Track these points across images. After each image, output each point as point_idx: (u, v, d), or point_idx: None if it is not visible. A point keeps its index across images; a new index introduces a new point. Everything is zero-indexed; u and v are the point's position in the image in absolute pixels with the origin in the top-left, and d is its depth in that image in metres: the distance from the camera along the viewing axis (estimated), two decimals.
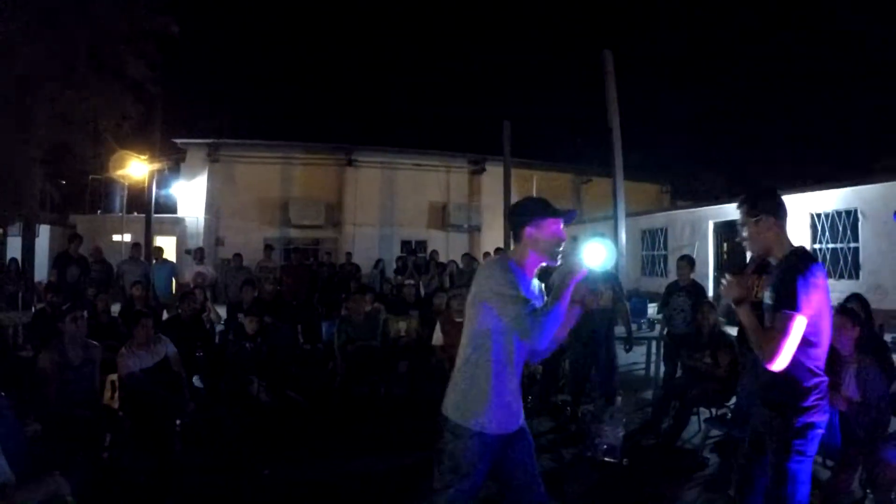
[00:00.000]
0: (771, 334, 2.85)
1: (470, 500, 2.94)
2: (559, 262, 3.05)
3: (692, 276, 7.72)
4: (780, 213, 3.08)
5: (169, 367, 5.78)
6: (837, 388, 4.52)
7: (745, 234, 3.18)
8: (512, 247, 3.07)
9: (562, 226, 2.97)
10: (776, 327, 2.83)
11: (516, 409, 2.99)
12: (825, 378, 2.98)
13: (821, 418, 2.96)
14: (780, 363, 2.82)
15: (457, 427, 2.90)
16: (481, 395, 2.88)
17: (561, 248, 2.98)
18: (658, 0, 46.14)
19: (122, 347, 5.68)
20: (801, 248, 3.06)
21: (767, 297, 3.01)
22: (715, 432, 5.81)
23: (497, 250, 14.06)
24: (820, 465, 4.56)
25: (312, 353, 8.89)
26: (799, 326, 2.80)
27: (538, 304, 2.89)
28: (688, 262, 7.78)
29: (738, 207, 3.25)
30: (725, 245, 16.14)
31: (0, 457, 3.45)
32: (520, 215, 2.99)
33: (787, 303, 2.81)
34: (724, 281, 3.22)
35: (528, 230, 2.94)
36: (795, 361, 2.88)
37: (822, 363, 2.99)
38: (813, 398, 2.93)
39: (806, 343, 2.88)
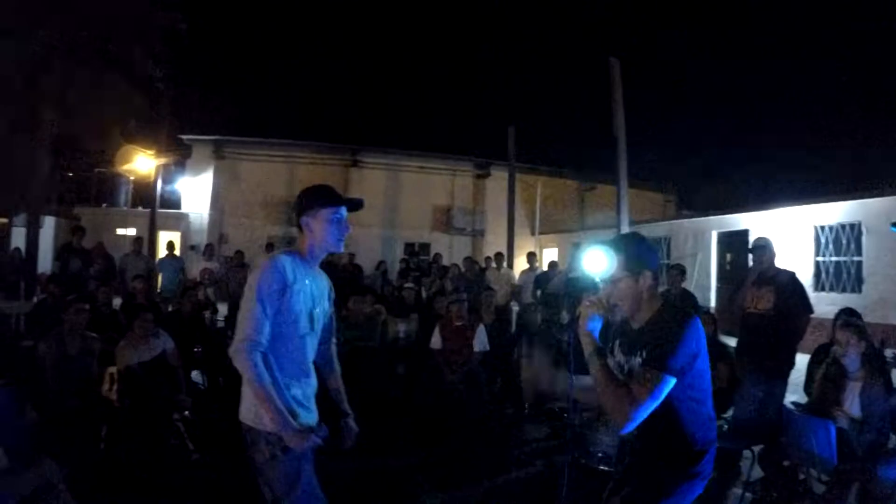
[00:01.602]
0: (634, 393, 2.50)
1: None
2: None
3: (683, 284, 7.75)
4: (656, 265, 2.80)
5: (166, 361, 5.79)
6: (839, 403, 4.50)
7: (616, 291, 2.78)
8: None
9: (344, 213, 2.92)
10: (645, 387, 2.48)
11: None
12: (714, 443, 2.70)
13: (702, 482, 2.68)
14: (632, 426, 2.52)
15: (269, 435, 2.74)
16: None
17: (344, 236, 2.93)
18: (666, 9, 46.16)
19: (122, 340, 5.70)
20: (675, 303, 2.81)
21: (624, 355, 2.74)
22: None
23: (497, 255, 14.05)
24: (815, 479, 4.54)
25: None
26: (667, 388, 2.48)
27: (317, 296, 2.92)
28: (679, 271, 7.83)
29: (608, 260, 2.82)
30: (728, 256, 16.09)
31: None
32: (297, 206, 2.95)
33: (660, 362, 2.49)
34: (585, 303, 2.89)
35: (303, 220, 2.91)
36: (690, 420, 2.62)
37: (712, 422, 2.73)
38: (704, 462, 2.65)
39: (697, 403, 2.63)
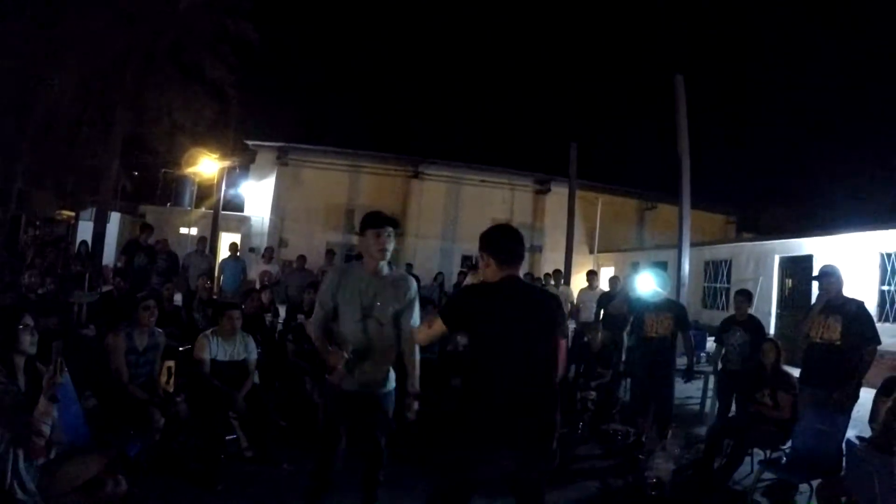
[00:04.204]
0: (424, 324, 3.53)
1: None
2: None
3: (750, 310, 7.57)
4: (498, 254, 3.21)
5: (245, 367, 5.85)
6: None
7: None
8: None
9: (385, 232, 3.74)
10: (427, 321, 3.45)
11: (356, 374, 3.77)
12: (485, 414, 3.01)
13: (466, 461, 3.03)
14: (421, 340, 3.60)
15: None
16: None
17: (384, 247, 3.74)
18: (734, 28, 45.38)
19: (207, 332, 5.81)
20: (505, 279, 3.18)
21: None
22: (768, 475, 5.62)
23: (556, 272, 14.00)
24: None
25: None
26: (437, 326, 3.23)
27: (368, 291, 3.76)
28: (745, 296, 7.64)
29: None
30: (790, 281, 15.66)
31: (58, 426, 3.57)
32: (359, 227, 3.86)
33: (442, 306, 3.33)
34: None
35: (359, 238, 3.87)
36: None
37: (486, 396, 3.04)
38: (461, 436, 3.07)
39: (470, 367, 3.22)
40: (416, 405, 3.85)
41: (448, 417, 3.15)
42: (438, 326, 3.20)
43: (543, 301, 3.32)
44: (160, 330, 5.66)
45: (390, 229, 3.78)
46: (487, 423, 2.98)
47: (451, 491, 3.07)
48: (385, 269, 3.87)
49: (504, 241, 3.26)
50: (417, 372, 3.92)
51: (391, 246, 3.79)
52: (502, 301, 3.11)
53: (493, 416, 2.98)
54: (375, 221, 3.79)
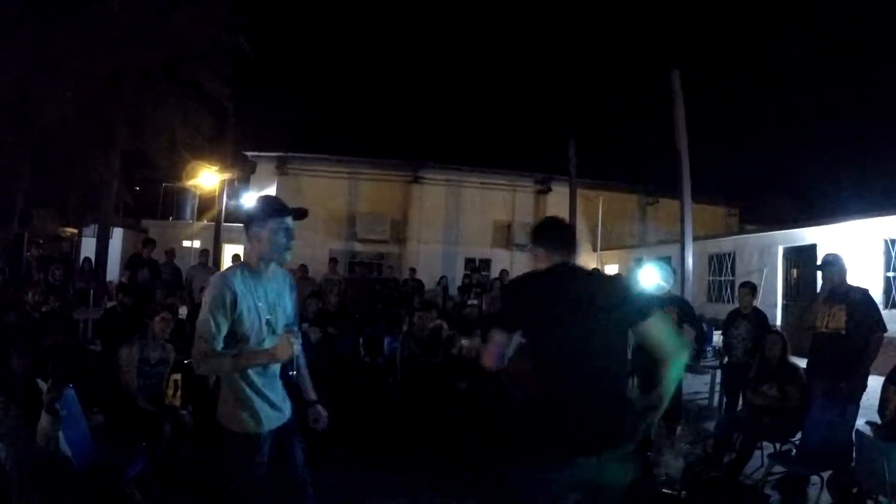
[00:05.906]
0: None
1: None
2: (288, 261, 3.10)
3: (755, 303, 7.55)
4: (550, 246, 3.03)
5: None
6: None
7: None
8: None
9: (290, 222, 3.01)
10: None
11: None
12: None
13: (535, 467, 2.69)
14: (489, 365, 2.93)
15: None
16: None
17: (289, 245, 3.01)
18: (729, 20, 45.44)
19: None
20: (557, 266, 2.97)
21: None
22: (778, 468, 5.59)
23: None
24: None
25: (373, 366, 8.92)
26: (497, 337, 2.88)
27: (274, 300, 3.04)
28: (750, 289, 7.61)
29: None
30: (795, 272, 15.60)
31: (64, 444, 3.57)
32: (246, 217, 3.08)
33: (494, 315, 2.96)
34: None
35: (253, 230, 2.98)
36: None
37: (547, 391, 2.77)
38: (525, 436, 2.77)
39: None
40: (324, 413, 3.36)
41: (510, 428, 2.88)
42: (501, 338, 2.86)
43: (607, 285, 2.95)
44: (171, 345, 5.68)
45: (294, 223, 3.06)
46: (562, 429, 2.68)
47: None
48: (268, 268, 3.09)
49: (557, 232, 3.09)
50: (308, 376, 3.38)
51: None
52: (560, 289, 2.84)
53: (568, 418, 2.67)
54: (283, 209, 3.05)
